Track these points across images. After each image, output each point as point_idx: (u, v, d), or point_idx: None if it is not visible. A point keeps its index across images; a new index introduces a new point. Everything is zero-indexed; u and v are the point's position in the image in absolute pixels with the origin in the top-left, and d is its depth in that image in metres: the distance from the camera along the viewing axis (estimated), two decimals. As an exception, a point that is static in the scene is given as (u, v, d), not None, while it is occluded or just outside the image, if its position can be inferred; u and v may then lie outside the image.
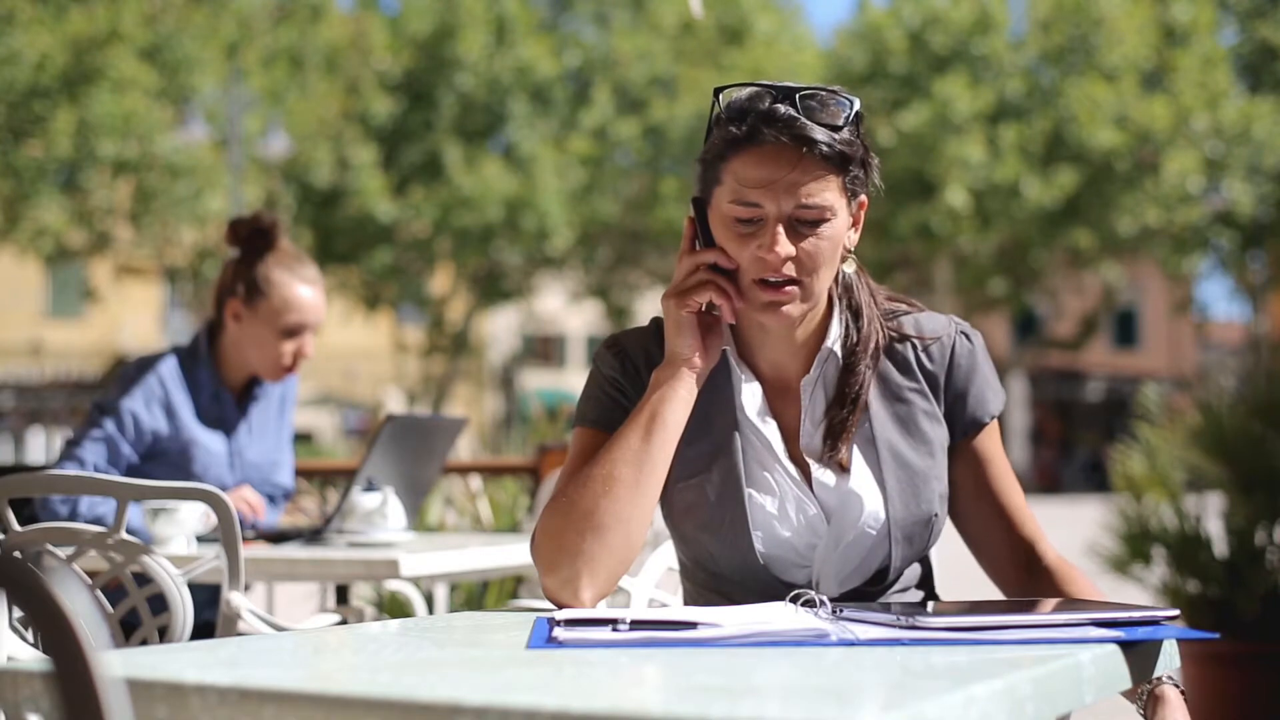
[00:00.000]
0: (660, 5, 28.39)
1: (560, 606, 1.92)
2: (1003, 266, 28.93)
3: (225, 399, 3.44)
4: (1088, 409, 42.58)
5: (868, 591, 2.01)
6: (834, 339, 2.02)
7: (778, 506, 1.97)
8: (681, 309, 1.95)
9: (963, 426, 2.05)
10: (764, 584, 1.99)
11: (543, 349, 41.16)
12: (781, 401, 2.03)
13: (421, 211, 26.66)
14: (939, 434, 2.03)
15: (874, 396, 2.01)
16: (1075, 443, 41.48)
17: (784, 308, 1.92)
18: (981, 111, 26.59)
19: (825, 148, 1.87)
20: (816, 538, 1.97)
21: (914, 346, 2.04)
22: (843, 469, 1.98)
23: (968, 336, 2.07)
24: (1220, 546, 5.20)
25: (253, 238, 3.44)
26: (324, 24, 26.05)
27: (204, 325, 3.52)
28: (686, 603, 2.12)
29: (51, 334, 34.38)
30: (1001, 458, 2.07)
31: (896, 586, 2.04)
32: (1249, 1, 28.36)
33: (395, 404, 28.98)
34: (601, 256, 29.86)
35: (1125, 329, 43.43)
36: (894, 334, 2.05)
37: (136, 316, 34.09)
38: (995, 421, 2.07)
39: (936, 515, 2.01)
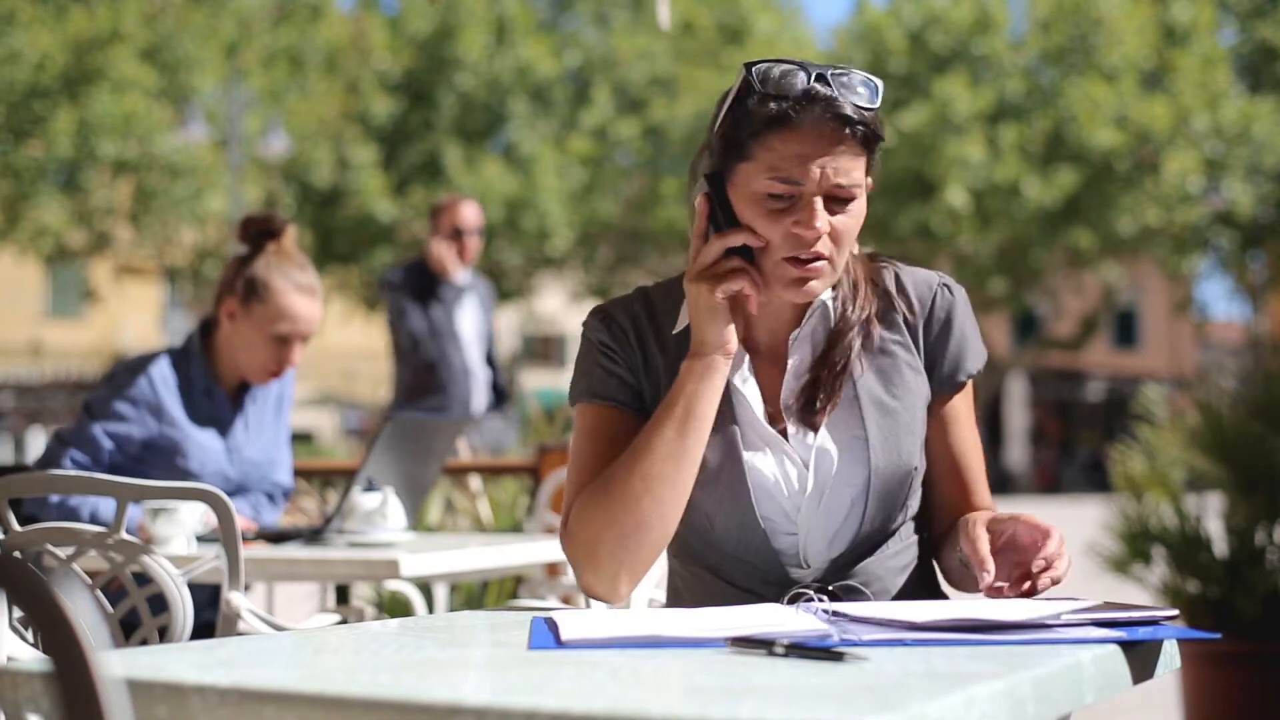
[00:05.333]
0: (657, 2, 28.35)
1: (598, 598, 1.95)
2: (1003, 266, 28.91)
3: (218, 395, 3.43)
4: (1088, 409, 42.57)
5: (857, 560, 1.99)
6: (827, 295, 2.03)
7: (768, 466, 1.98)
8: (714, 295, 1.92)
9: (938, 383, 2.05)
10: (757, 549, 1.98)
11: (543, 349, 41.15)
12: (763, 364, 2.04)
13: (421, 212, 26.64)
14: (921, 386, 2.04)
15: (857, 355, 2.02)
16: (1075, 443, 41.47)
17: (811, 283, 1.93)
18: (981, 111, 26.59)
19: (861, 128, 1.90)
20: (801, 498, 1.97)
21: (898, 301, 2.05)
22: (816, 429, 1.98)
23: (949, 290, 2.08)
24: (1220, 546, 5.20)
25: (262, 238, 3.43)
26: (324, 24, 26.03)
27: (199, 322, 3.51)
28: (672, 583, 2.11)
29: (51, 334, 34.37)
30: (970, 419, 2.08)
31: (889, 555, 2.01)
32: (1249, 1, 28.35)
33: (395, 404, 28.93)
34: (601, 256, 29.85)
35: (1125, 329, 43.42)
36: (879, 290, 2.06)
37: (136, 316, 34.08)
38: (970, 381, 2.08)
39: (916, 469, 2.01)
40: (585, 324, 2.08)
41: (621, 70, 28.09)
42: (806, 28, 30.75)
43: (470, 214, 6.58)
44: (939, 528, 2.08)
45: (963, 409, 2.07)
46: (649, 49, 27.89)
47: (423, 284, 6.52)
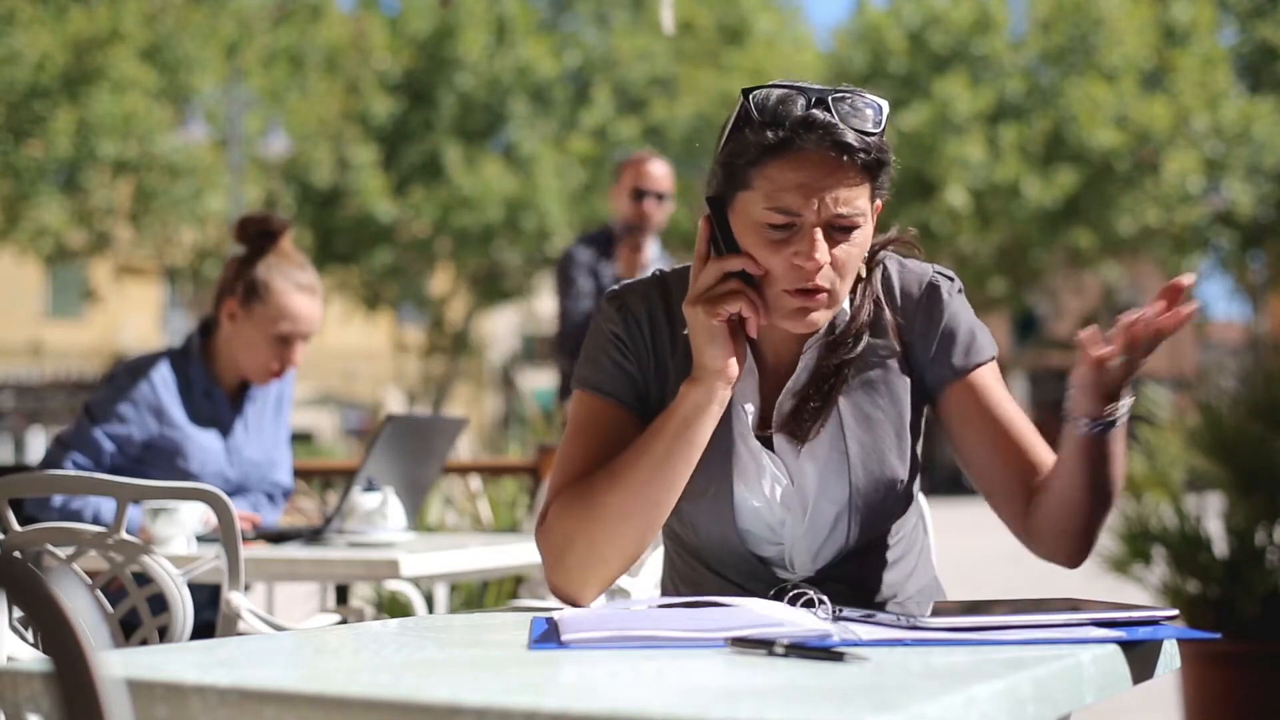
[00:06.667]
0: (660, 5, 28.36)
1: (562, 598, 1.93)
2: (1003, 266, 28.92)
3: (218, 396, 3.43)
4: (1088, 409, 42.54)
5: (844, 564, 1.98)
6: (844, 311, 1.99)
7: (754, 483, 1.96)
8: (712, 318, 1.88)
9: (940, 374, 1.99)
10: (742, 556, 1.98)
11: (542, 349, 41.14)
12: (768, 381, 2.01)
13: (421, 211, 26.65)
14: (907, 392, 2.00)
15: (846, 372, 1.98)
16: (1075, 443, 41.44)
17: (812, 314, 1.89)
18: (981, 111, 26.60)
19: (863, 155, 1.84)
20: (787, 512, 1.96)
21: (885, 307, 2.01)
22: (802, 445, 1.96)
23: (939, 284, 2.02)
24: (1220, 546, 5.19)
25: (260, 238, 3.43)
26: (324, 24, 26.04)
27: (199, 323, 3.51)
28: (666, 564, 2.12)
29: (51, 334, 34.36)
30: (999, 398, 2.00)
31: (876, 556, 2.00)
32: (1249, 1, 28.35)
33: (395, 404, 28.95)
34: (601, 257, 29.82)
35: (1125, 329, 43.38)
36: (872, 297, 2.01)
37: (136, 316, 34.08)
38: (987, 367, 2.01)
39: (901, 481, 1.97)
40: (600, 309, 2.04)
41: (621, 70, 28.09)
42: (806, 28, 30.79)
43: (660, 173, 5.69)
44: (1004, 508, 1.99)
45: (992, 390, 2.00)
46: (649, 49, 27.90)
47: (600, 256, 5.60)
